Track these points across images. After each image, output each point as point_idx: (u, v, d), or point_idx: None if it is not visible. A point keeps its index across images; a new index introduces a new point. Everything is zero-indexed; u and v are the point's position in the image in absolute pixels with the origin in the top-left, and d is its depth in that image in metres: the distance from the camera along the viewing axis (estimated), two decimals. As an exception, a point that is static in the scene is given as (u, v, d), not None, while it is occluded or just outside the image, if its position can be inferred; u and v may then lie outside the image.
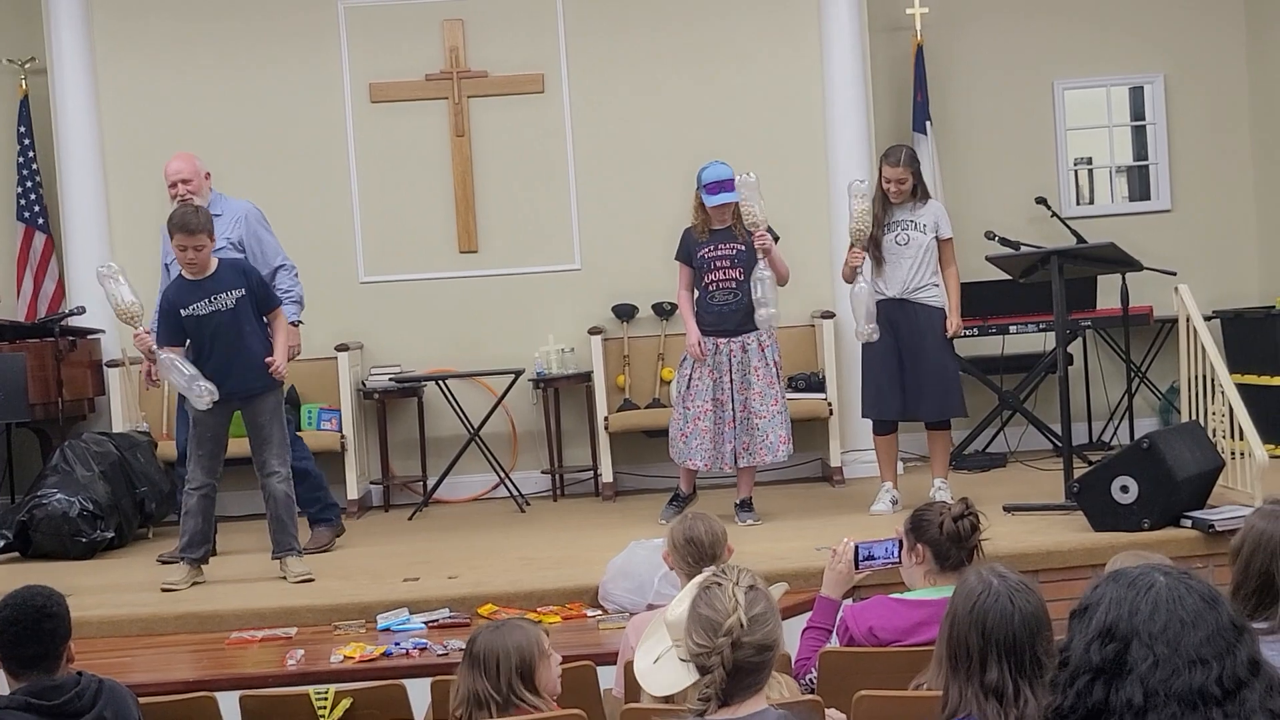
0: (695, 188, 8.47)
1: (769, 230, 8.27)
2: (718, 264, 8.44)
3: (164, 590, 7.41)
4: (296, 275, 8.40)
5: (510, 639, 4.15)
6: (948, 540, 4.70)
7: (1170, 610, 2.04)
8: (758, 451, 8.40)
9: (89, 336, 9.79)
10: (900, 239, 8.35)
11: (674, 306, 9.57)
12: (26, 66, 10.31)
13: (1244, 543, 3.60)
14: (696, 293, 8.58)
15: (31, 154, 10.25)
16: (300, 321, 8.47)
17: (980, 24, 10.94)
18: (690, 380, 8.47)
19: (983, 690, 3.28)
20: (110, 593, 7.50)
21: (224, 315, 7.45)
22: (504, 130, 10.27)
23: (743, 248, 8.39)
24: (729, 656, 3.25)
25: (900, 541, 4.93)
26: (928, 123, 10.57)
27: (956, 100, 10.89)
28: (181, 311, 7.45)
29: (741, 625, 3.28)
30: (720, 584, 3.37)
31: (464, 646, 4.28)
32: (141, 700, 4.66)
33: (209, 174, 8.36)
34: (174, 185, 8.22)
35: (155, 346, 7.48)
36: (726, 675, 3.26)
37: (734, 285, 8.39)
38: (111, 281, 7.42)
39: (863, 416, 8.75)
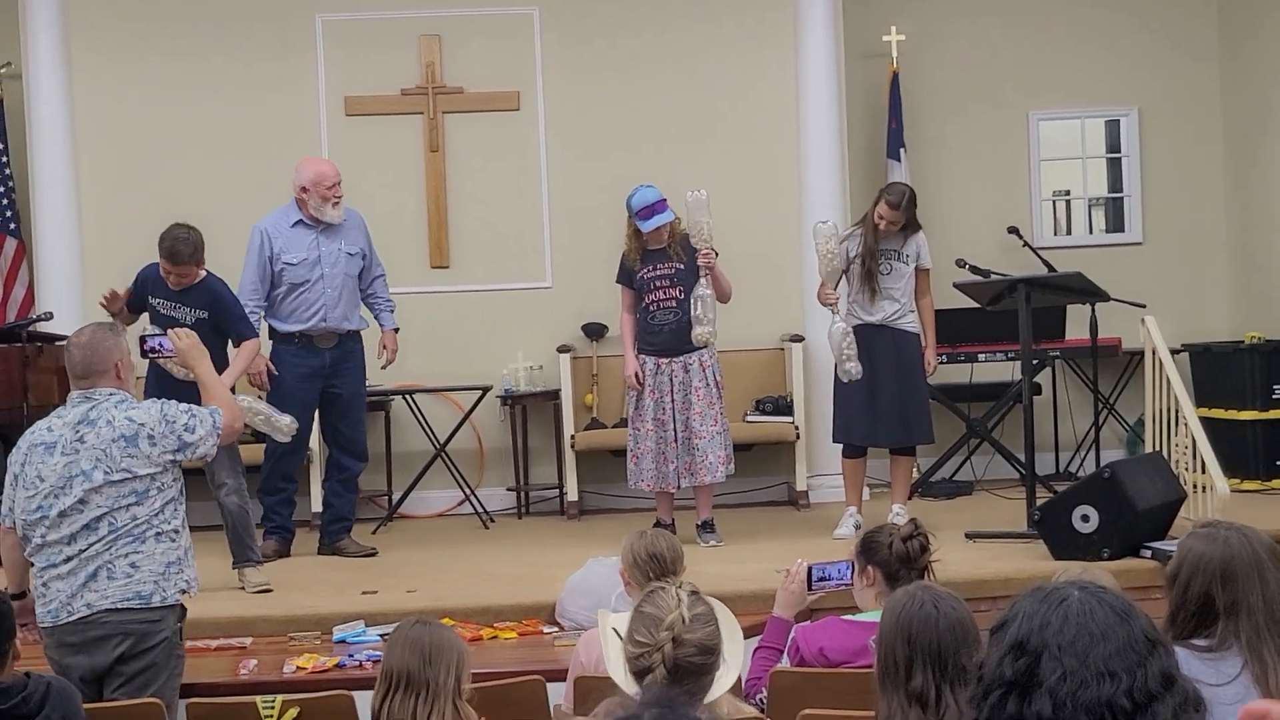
0: (627, 215, 8.47)
1: (711, 248, 8.28)
2: (657, 284, 8.41)
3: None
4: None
5: (451, 637, 4.09)
6: (897, 561, 4.70)
7: (1080, 623, 2.03)
8: (698, 472, 8.36)
9: (57, 343, 9.71)
10: (884, 268, 8.39)
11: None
12: (2, 71, 10.28)
13: (1181, 566, 3.57)
14: (638, 314, 8.57)
15: (5, 159, 10.21)
16: (397, 327, 8.82)
17: (956, 54, 10.97)
18: (638, 401, 8.47)
19: (907, 698, 3.28)
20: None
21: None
22: (478, 146, 10.26)
23: (681, 266, 8.35)
24: (669, 654, 3.25)
25: (853, 563, 4.93)
26: (902, 150, 10.58)
27: (931, 128, 10.91)
28: (150, 298, 7.46)
29: (683, 621, 3.28)
30: (663, 588, 3.39)
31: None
32: (87, 707, 4.61)
33: None
34: (333, 187, 8.38)
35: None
36: (667, 674, 3.25)
37: (674, 304, 8.36)
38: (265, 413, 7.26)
39: (834, 441, 8.72)
